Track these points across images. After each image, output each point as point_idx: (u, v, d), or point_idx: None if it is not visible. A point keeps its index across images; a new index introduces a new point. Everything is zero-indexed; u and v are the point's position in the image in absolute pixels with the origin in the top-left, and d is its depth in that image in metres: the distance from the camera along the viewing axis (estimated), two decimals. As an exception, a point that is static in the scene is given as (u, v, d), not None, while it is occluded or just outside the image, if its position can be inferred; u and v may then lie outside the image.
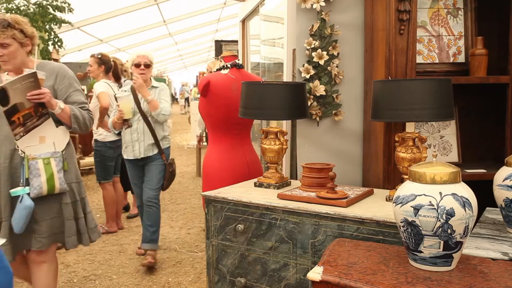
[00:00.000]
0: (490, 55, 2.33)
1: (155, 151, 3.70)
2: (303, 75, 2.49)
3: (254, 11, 4.61)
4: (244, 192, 2.22)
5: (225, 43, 7.94)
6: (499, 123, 2.35)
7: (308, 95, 2.48)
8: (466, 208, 1.30)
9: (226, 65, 2.89)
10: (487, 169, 2.27)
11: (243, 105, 2.35)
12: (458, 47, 2.46)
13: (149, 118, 3.64)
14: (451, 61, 2.45)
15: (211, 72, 5.10)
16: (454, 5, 2.46)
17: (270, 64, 4.39)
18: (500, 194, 1.63)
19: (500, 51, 2.37)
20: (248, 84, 2.34)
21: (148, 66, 3.67)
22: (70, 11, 6.28)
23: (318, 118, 2.53)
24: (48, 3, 6.13)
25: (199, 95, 3.28)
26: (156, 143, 3.68)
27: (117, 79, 4.73)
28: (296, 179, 2.61)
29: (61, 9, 6.17)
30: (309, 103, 2.49)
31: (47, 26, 6.20)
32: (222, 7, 9.88)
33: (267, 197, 2.11)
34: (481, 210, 1.75)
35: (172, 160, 3.87)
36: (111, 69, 4.65)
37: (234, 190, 2.26)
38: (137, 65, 3.65)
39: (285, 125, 2.81)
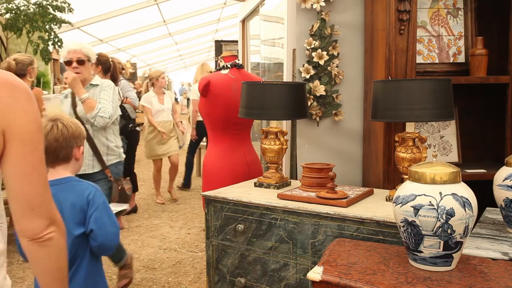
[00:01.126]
0: (490, 55, 2.33)
1: (97, 167, 3.01)
2: (303, 75, 2.49)
3: (254, 11, 4.62)
4: (244, 192, 2.22)
5: (225, 43, 7.95)
6: (499, 123, 2.35)
7: (308, 95, 2.48)
8: (466, 208, 1.30)
9: (226, 65, 2.89)
10: (487, 169, 2.27)
11: (243, 105, 2.35)
12: (458, 47, 2.46)
13: (86, 125, 2.91)
14: (451, 61, 2.45)
15: (211, 72, 5.10)
16: (454, 5, 2.46)
17: (270, 64, 4.39)
18: (500, 194, 1.63)
19: (500, 51, 2.37)
20: (248, 84, 2.34)
21: (82, 62, 2.94)
22: (70, 11, 6.27)
23: (318, 118, 2.53)
24: (48, 3, 6.12)
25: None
26: (97, 156, 2.99)
27: (113, 80, 4.46)
28: (296, 179, 2.61)
29: (61, 9, 6.16)
30: (309, 103, 2.49)
31: (47, 26, 6.19)
32: (222, 7, 9.87)
33: (267, 197, 2.11)
34: (481, 210, 1.75)
35: (124, 178, 3.18)
36: (110, 69, 4.59)
37: (234, 190, 2.26)
38: (68, 63, 2.95)
39: (285, 125, 2.81)
